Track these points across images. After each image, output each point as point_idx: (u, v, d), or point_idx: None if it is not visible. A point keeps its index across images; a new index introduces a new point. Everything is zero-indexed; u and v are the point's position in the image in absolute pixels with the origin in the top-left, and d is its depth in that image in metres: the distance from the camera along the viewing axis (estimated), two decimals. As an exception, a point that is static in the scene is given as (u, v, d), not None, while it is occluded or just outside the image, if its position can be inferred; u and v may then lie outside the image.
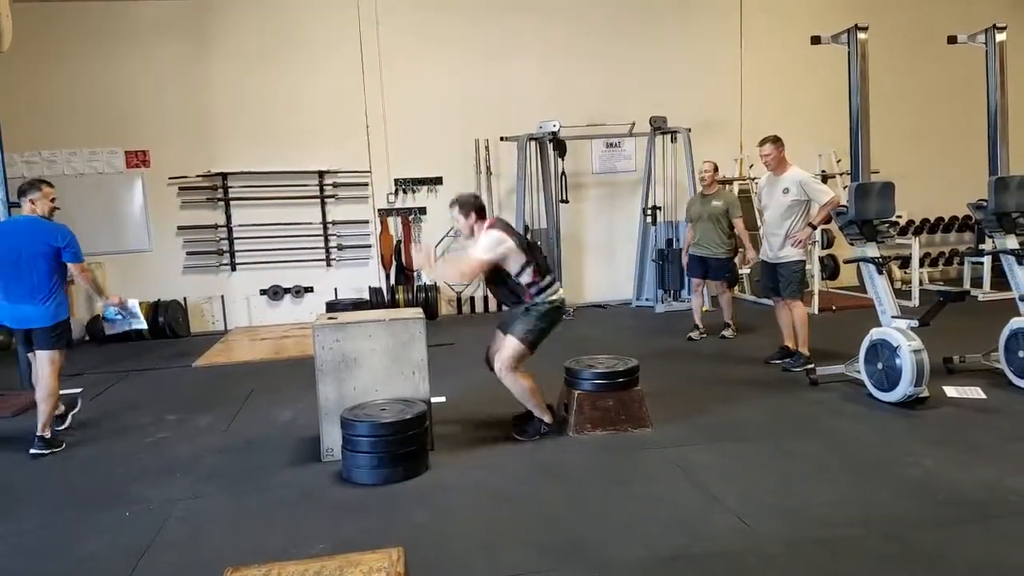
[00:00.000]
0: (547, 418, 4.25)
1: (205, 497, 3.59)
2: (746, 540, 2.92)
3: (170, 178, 8.59)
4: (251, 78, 8.68)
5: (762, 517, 3.11)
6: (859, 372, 4.87)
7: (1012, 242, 5.02)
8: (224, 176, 8.65)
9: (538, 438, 4.17)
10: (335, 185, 8.99)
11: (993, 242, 5.27)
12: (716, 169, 6.97)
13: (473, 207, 4.22)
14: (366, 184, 9.07)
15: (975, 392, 4.77)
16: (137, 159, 8.60)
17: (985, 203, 5.09)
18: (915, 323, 4.56)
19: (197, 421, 4.89)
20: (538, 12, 9.23)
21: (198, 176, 8.64)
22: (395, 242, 9.18)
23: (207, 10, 8.57)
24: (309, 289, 9.07)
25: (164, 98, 8.56)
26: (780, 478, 3.57)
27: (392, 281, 9.10)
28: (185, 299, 8.64)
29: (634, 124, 9.14)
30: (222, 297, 8.80)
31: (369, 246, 9.20)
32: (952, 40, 5.41)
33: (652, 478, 3.63)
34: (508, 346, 4.10)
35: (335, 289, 8.91)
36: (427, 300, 8.83)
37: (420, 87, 8.99)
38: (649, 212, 9.15)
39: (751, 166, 9.57)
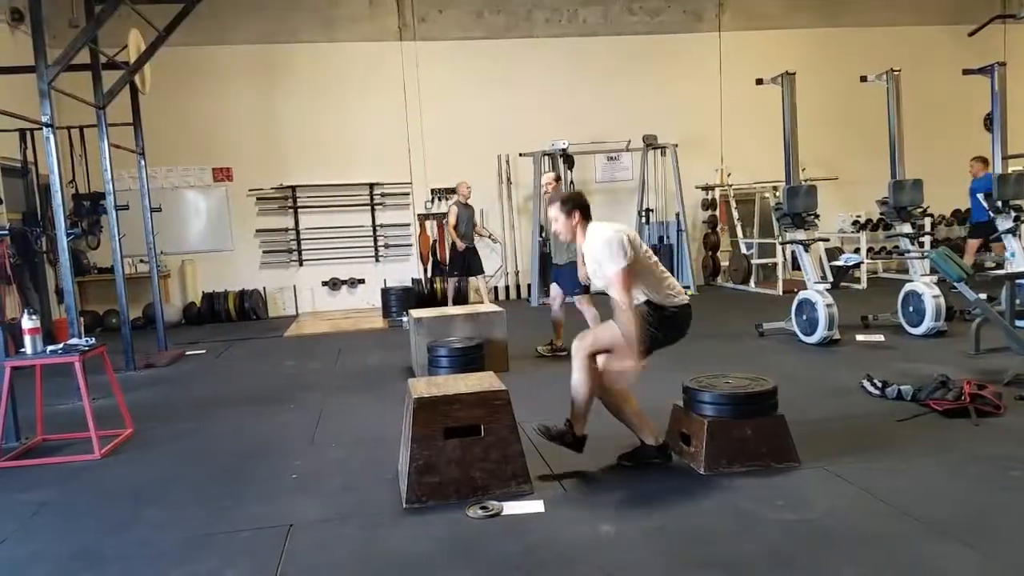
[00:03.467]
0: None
1: (341, 398, 5.38)
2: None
3: (249, 190, 10.46)
4: (315, 107, 10.55)
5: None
6: (794, 325, 6.62)
7: (907, 228, 6.78)
8: (293, 188, 10.51)
9: (557, 442, 3.63)
10: (383, 194, 10.83)
11: (896, 230, 7.01)
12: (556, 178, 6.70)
13: (578, 205, 3.63)
14: (408, 193, 10.91)
15: (877, 337, 6.52)
16: (222, 174, 10.47)
17: (887, 200, 6.86)
18: (828, 286, 6.32)
19: (310, 364, 6.71)
20: (551, 50, 11.07)
21: (272, 188, 10.52)
22: (431, 241, 10.97)
23: (278, 52, 10.46)
24: (361, 281, 10.90)
25: (244, 124, 10.42)
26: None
27: (429, 274, 10.89)
28: (264, 289, 10.48)
29: (630, 141, 10.94)
30: (294, 287, 10.65)
31: (410, 245, 11.02)
32: (863, 79, 7.21)
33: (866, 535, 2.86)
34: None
35: (384, 280, 10.71)
36: (459, 290, 10.61)
37: (452, 113, 10.81)
38: (644, 214, 10.94)
39: (729, 175, 11.37)
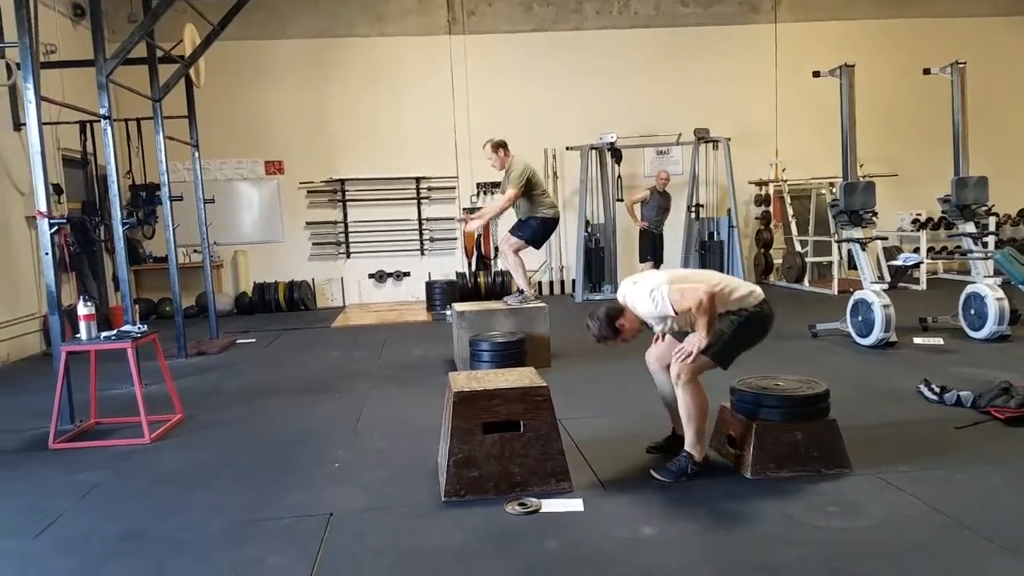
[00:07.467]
0: (698, 455, 3.39)
1: (384, 389, 5.43)
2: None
3: (300, 183, 10.64)
4: (364, 101, 10.65)
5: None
6: (848, 326, 6.41)
7: (970, 228, 6.50)
8: (342, 182, 10.65)
9: (684, 480, 3.35)
10: (429, 188, 10.89)
11: (958, 229, 6.72)
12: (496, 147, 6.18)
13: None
14: (453, 187, 10.93)
15: (936, 340, 6.27)
16: (274, 167, 10.66)
17: (950, 198, 6.57)
18: (885, 286, 6.09)
19: (355, 355, 6.78)
20: (601, 42, 10.94)
21: (322, 182, 10.67)
22: (476, 236, 10.96)
23: (330, 46, 10.58)
24: (407, 273, 10.98)
25: (295, 118, 10.58)
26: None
27: (474, 268, 10.89)
28: (313, 280, 10.65)
29: (681, 135, 10.74)
30: (341, 279, 10.80)
31: (455, 239, 11.05)
32: (927, 71, 6.91)
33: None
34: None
35: (429, 273, 10.75)
36: (502, 283, 10.59)
37: (499, 106, 10.77)
38: (694, 209, 10.74)
39: (784, 170, 11.07)
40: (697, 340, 3.27)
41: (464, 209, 10.31)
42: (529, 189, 6.06)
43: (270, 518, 3.20)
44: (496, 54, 10.79)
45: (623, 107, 10.86)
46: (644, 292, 3.33)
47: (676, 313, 3.28)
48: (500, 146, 6.16)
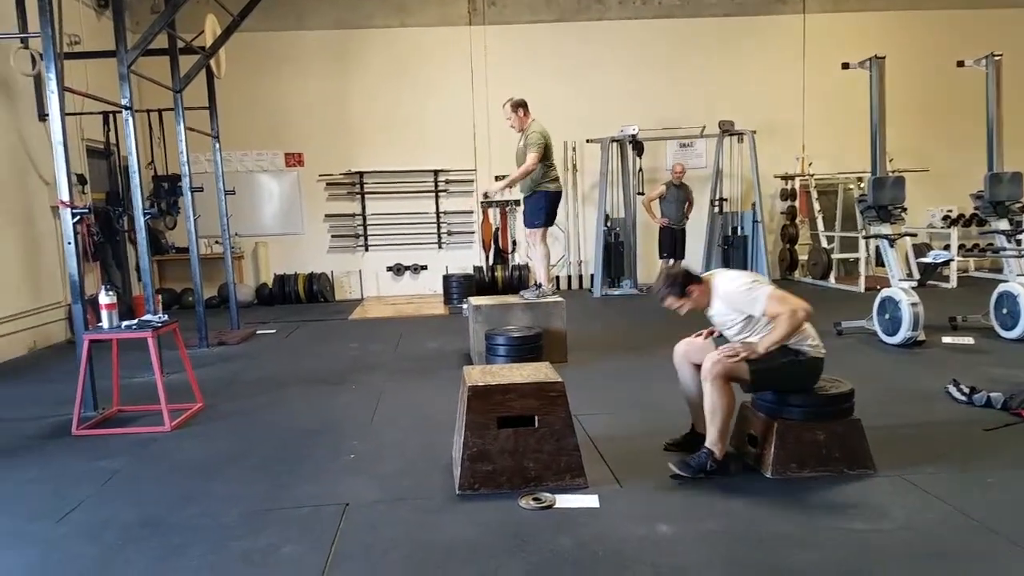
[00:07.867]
0: (719, 452, 3.35)
1: (400, 382, 5.41)
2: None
3: (319, 175, 10.65)
4: (384, 93, 10.63)
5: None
6: (875, 324, 6.28)
7: (1003, 225, 6.33)
8: (361, 175, 10.65)
9: (702, 476, 3.32)
10: (447, 181, 10.85)
11: (991, 226, 6.55)
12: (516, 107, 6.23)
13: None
14: (472, 180, 10.88)
15: (966, 339, 6.12)
16: (294, 159, 10.69)
17: (983, 194, 6.41)
18: (914, 283, 5.96)
19: (372, 347, 6.78)
20: (624, 32, 10.81)
21: (341, 174, 10.68)
22: (494, 229, 10.93)
23: (351, 38, 10.56)
24: (424, 267, 10.96)
25: (316, 110, 10.58)
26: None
27: (491, 261, 10.84)
28: (332, 272, 10.68)
29: (705, 127, 10.59)
30: (359, 272, 10.82)
31: (473, 232, 11.02)
32: (960, 63, 6.74)
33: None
34: None
35: (446, 266, 10.73)
36: (520, 278, 10.53)
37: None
38: (717, 203, 10.60)
39: (811, 164, 10.88)
40: (756, 346, 3.25)
41: (483, 195, 10.19)
42: (544, 156, 6.07)
43: (286, 508, 3.20)
44: (517, 45, 10.71)
45: (645, 99, 10.73)
46: (745, 279, 3.35)
47: (761, 313, 3.24)
48: (520, 105, 6.14)
